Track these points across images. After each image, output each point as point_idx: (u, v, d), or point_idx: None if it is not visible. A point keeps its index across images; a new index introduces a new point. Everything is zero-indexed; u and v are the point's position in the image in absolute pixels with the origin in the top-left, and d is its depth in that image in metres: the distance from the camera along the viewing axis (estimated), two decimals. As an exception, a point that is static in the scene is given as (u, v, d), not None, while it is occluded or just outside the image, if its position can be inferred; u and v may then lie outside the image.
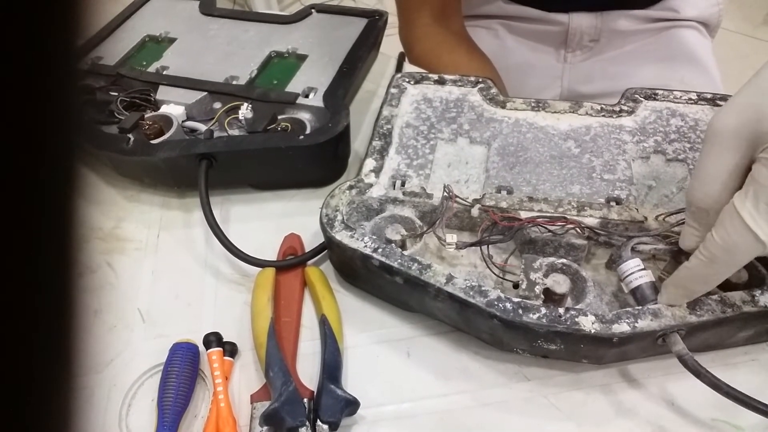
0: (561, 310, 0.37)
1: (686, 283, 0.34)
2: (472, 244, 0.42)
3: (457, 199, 0.43)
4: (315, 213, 0.46)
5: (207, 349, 0.42)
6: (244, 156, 0.50)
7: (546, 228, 0.41)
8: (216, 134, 0.52)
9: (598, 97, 0.76)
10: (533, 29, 0.77)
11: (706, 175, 0.33)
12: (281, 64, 0.61)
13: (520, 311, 0.37)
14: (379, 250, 0.41)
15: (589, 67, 0.78)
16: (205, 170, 0.50)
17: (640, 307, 0.37)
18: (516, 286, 0.42)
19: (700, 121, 0.49)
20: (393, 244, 0.42)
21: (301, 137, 0.50)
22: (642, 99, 0.52)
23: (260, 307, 0.43)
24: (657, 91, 0.52)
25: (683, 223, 0.40)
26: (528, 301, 0.38)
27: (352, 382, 0.41)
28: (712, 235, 0.32)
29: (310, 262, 0.48)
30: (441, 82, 0.55)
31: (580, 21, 0.74)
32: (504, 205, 0.43)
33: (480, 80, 0.54)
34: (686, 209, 0.36)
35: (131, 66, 0.61)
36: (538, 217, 0.42)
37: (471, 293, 0.38)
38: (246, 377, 0.42)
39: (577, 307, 0.38)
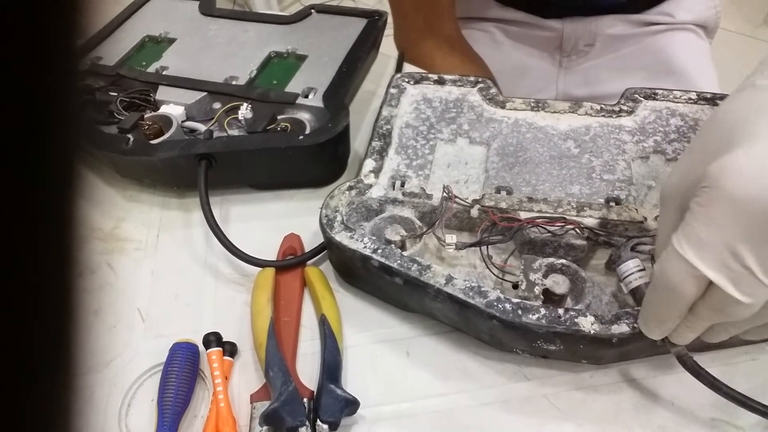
0: (560, 311, 0.37)
1: (646, 312, 0.34)
2: (471, 245, 0.42)
3: (457, 200, 0.43)
4: (315, 213, 0.46)
5: (207, 349, 0.42)
6: (243, 156, 0.50)
7: (545, 228, 0.41)
8: (215, 134, 0.52)
9: (594, 100, 0.76)
10: (528, 34, 0.77)
11: (659, 235, 0.35)
12: (281, 65, 0.61)
13: (520, 312, 0.37)
14: (379, 250, 0.41)
15: (584, 72, 0.78)
16: (204, 170, 0.50)
17: (640, 308, 0.37)
18: (515, 286, 0.42)
19: (699, 121, 0.49)
20: (392, 245, 0.42)
21: (301, 137, 0.50)
22: (641, 99, 0.52)
23: (260, 307, 0.43)
24: (656, 91, 0.52)
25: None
26: (527, 301, 0.38)
27: (351, 382, 0.41)
28: (655, 267, 0.32)
29: (309, 262, 0.48)
30: (440, 82, 0.55)
31: (574, 26, 0.74)
32: (503, 205, 0.43)
33: (479, 80, 0.54)
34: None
35: (131, 66, 0.61)
36: (538, 217, 0.42)
37: (470, 294, 0.38)
38: (246, 377, 0.42)
39: (576, 307, 0.38)
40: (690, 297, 0.30)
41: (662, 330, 0.34)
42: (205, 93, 0.56)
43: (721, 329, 0.33)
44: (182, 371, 0.40)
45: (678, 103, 0.51)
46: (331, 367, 0.40)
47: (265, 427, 0.38)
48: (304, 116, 0.54)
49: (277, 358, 0.40)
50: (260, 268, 0.47)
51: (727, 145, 0.30)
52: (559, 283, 0.39)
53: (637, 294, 0.38)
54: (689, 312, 0.32)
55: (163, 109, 0.55)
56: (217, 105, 0.56)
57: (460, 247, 0.42)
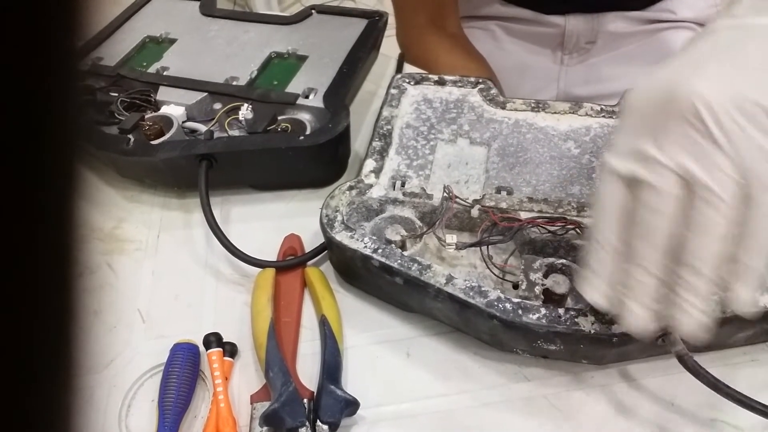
0: (561, 311, 0.37)
1: (586, 257, 0.34)
2: (471, 245, 0.42)
3: (457, 200, 0.43)
4: (315, 213, 0.46)
5: (207, 350, 0.42)
6: (244, 156, 0.50)
7: (546, 228, 0.41)
8: (216, 135, 0.52)
9: (595, 99, 0.76)
10: (530, 31, 0.77)
11: None
12: (281, 65, 0.61)
13: (520, 312, 0.37)
14: (379, 250, 0.41)
15: (585, 69, 0.78)
16: (205, 171, 0.50)
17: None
18: (516, 286, 0.42)
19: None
20: (393, 245, 0.42)
21: (301, 138, 0.50)
22: (642, 99, 0.51)
23: (260, 307, 0.43)
24: (657, 92, 0.52)
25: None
26: (528, 301, 0.38)
27: (351, 383, 0.41)
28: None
29: (310, 262, 0.48)
30: (441, 82, 0.55)
31: (577, 23, 0.74)
32: (504, 205, 0.43)
33: (480, 81, 0.54)
34: None
35: (131, 67, 0.61)
36: (538, 217, 0.42)
37: (471, 294, 0.38)
38: (246, 378, 0.42)
39: (576, 307, 0.38)
40: (619, 198, 0.32)
41: (602, 282, 0.33)
42: (205, 93, 0.56)
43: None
44: (182, 372, 0.40)
45: (678, 103, 0.51)
46: (332, 367, 0.40)
47: (265, 428, 0.38)
48: (305, 117, 0.54)
49: (277, 358, 0.40)
50: (260, 269, 0.47)
51: (648, 76, 0.34)
52: (559, 283, 0.39)
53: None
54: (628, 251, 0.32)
55: (164, 110, 0.55)
56: (217, 105, 0.56)
57: (460, 247, 0.42)
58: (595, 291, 0.34)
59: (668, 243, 0.31)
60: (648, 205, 0.31)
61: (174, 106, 0.55)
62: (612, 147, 0.34)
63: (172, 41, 0.64)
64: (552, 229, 0.41)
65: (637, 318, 0.32)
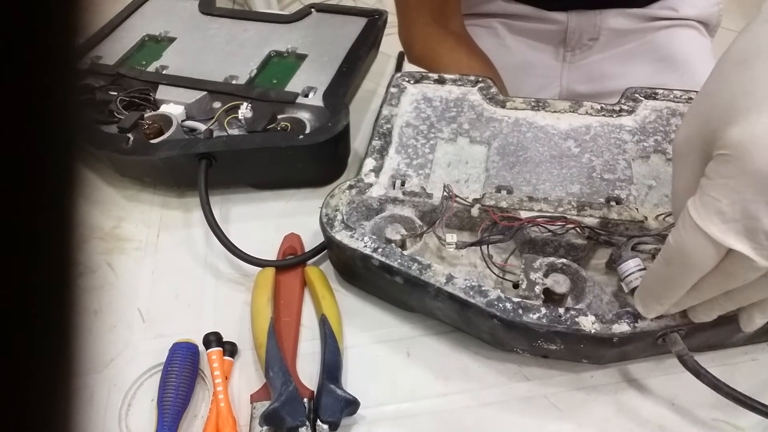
0: (561, 310, 0.37)
1: (650, 287, 0.34)
2: (472, 244, 0.42)
3: (457, 199, 0.43)
4: (315, 212, 0.46)
5: (207, 349, 0.42)
6: (243, 155, 0.50)
7: (546, 228, 0.41)
8: (216, 134, 0.52)
9: (598, 96, 0.76)
10: (532, 28, 0.77)
11: (674, 192, 0.34)
12: (281, 64, 0.61)
13: (520, 311, 0.37)
14: (379, 249, 0.41)
15: (588, 67, 0.78)
16: (204, 170, 0.50)
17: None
18: (516, 286, 0.42)
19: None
20: (393, 244, 0.42)
21: (301, 137, 0.50)
22: (642, 98, 0.52)
23: (260, 306, 0.43)
24: (657, 91, 0.52)
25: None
26: (528, 301, 0.38)
27: (352, 382, 0.41)
28: (669, 237, 0.31)
29: (309, 261, 0.48)
30: (441, 81, 0.55)
31: (579, 20, 0.74)
32: (504, 204, 0.43)
33: (480, 79, 0.54)
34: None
35: (131, 65, 0.61)
36: (538, 216, 0.42)
37: (471, 293, 0.38)
38: (246, 377, 0.42)
39: (577, 307, 0.38)
40: (707, 268, 0.30)
41: (663, 305, 0.34)
42: (205, 92, 0.56)
43: (717, 304, 0.33)
44: (182, 371, 0.40)
45: (678, 102, 0.51)
46: (332, 367, 0.40)
47: (265, 427, 0.38)
48: (304, 115, 0.54)
49: (277, 358, 0.40)
50: (260, 268, 0.47)
51: (752, 101, 0.27)
52: (559, 283, 0.39)
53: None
54: (693, 285, 0.32)
55: (163, 109, 0.55)
56: (217, 104, 0.55)
57: (460, 246, 0.42)
58: (653, 314, 0.35)
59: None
60: (737, 276, 0.30)
61: (173, 105, 0.55)
62: (702, 197, 0.29)
63: (172, 40, 0.63)
64: (552, 228, 0.41)
65: (669, 313, 0.35)
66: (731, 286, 0.31)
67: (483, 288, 0.38)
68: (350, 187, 0.46)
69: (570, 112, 0.51)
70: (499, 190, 0.45)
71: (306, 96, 0.55)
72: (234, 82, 0.57)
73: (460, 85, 0.54)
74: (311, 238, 0.49)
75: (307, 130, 0.52)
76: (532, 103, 0.52)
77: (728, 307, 0.33)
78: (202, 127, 0.54)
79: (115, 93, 0.56)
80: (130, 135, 0.51)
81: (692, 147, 0.31)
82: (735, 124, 0.28)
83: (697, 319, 0.35)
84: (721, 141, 0.28)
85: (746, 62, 0.29)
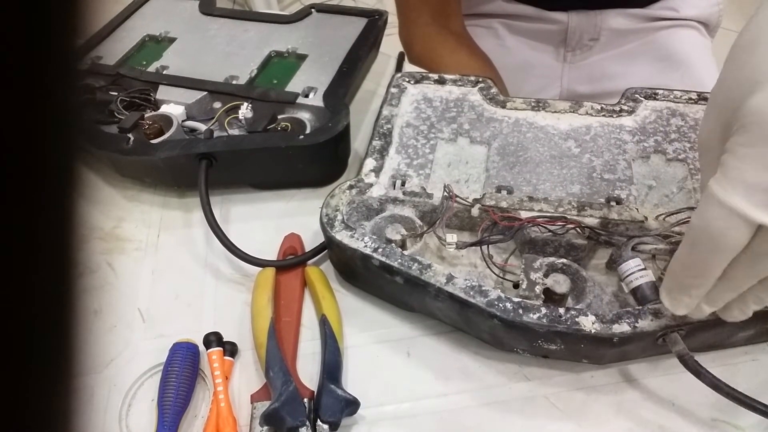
0: (561, 310, 0.37)
1: (677, 277, 0.32)
2: (472, 244, 0.42)
3: (458, 199, 0.43)
4: (315, 213, 0.46)
5: (207, 349, 0.42)
6: (244, 156, 0.50)
7: (546, 228, 0.41)
8: (216, 134, 0.52)
9: (598, 96, 0.76)
10: (533, 28, 0.77)
11: (702, 185, 0.32)
12: (281, 64, 0.61)
13: (521, 311, 0.37)
14: (380, 249, 0.41)
15: (588, 67, 0.78)
16: (205, 170, 0.50)
17: (641, 307, 0.37)
18: (516, 286, 0.42)
19: (700, 121, 0.49)
20: (393, 244, 0.42)
21: (301, 137, 0.50)
22: (642, 99, 0.51)
23: (260, 306, 0.43)
24: (657, 91, 0.52)
25: (684, 222, 0.40)
26: (528, 301, 0.38)
27: (352, 382, 0.41)
28: (692, 219, 0.30)
29: (310, 261, 0.48)
30: (441, 81, 0.55)
31: (580, 20, 0.74)
32: (504, 204, 0.43)
33: (480, 80, 0.54)
34: None
35: (131, 66, 0.61)
36: (539, 216, 0.42)
37: (471, 293, 0.38)
38: (246, 377, 0.42)
39: (577, 307, 0.38)
40: (736, 247, 0.28)
41: (692, 297, 0.31)
42: (205, 92, 0.56)
43: (752, 295, 0.31)
44: (182, 371, 0.40)
45: (678, 103, 0.51)
46: (332, 367, 0.40)
47: (265, 427, 0.38)
48: (305, 116, 0.54)
49: (277, 358, 0.40)
50: (261, 268, 0.47)
51: (757, 79, 0.27)
52: (560, 283, 0.39)
53: (637, 293, 0.38)
54: (723, 273, 0.30)
55: (164, 109, 0.55)
56: (217, 104, 0.56)
57: (460, 246, 0.42)
58: (682, 308, 0.33)
59: None
60: None
61: (174, 105, 0.55)
62: (725, 173, 0.28)
63: (172, 40, 0.63)
64: (552, 228, 0.41)
65: (702, 312, 0.33)
66: (766, 269, 0.29)
67: (483, 288, 0.38)
68: (350, 187, 0.46)
69: (570, 112, 0.51)
70: (499, 190, 0.45)
71: (306, 96, 0.55)
72: (234, 82, 0.57)
73: (460, 85, 0.54)
74: (311, 238, 0.49)
75: (308, 131, 0.52)
76: (533, 104, 0.52)
77: (766, 299, 0.31)
78: (202, 127, 0.54)
79: (116, 93, 0.56)
80: (130, 135, 0.51)
81: (714, 138, 0.30)
82: (750, 96, 0.27)
83: (732, 317, 0.33)
84: (740, 113, 0.27)
85: (753, 46, 0.29)
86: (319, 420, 0.37)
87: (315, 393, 0.39)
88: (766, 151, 0.26)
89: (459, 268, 0.44)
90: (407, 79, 0.55)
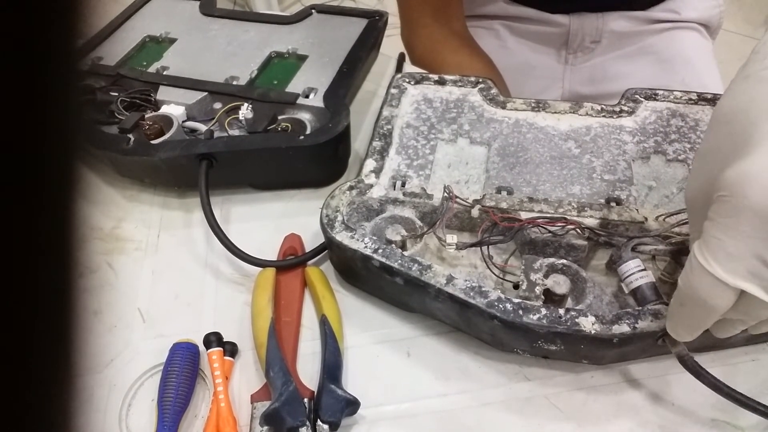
0: (561, 311, 0.37)
1: (671, 324, 0.34)
2: (472, 245, 0.42)
3: (458, 200, 0.43)
4: (315, 213, 0.46)
5: (207, 349, 0.42)
6: (244, 156, 0.50)
7: (546, 229, 0.41)
8: (216, 134, 0.52)
9: (600, 98, 0.76)
10: (534, 30, 0.77)
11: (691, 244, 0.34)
12: (281, 65, 0.61)
13: (521, 312, 0.37)
14: (380, 250, 0.41)
15: (590, 69, 0.78)
16: (205, 170, 0.50)
17: (641, 308, 0.37)
18: (516, 286, 0.42)
19: (700, 122, 0.49)
20: (393, 245, 0.42)
21: (302, 137, 0.50)
22: (642, 99, 0.52)
23: (260, 307, 0.43)
24: (657, 92, 0.52)
25: (684, 223, 0.40)
26: (528, 301, 0.38)
27: (352, 382, 0.41)
28: (678, 281, 0.32)
29: (310, 262, 0.48)
30: (441, 82, 0.55)
31: (581, 22, 0.75)
32: (504, 205, 0.43)
33: (480, 80, 0.54)
34: None
35: (131, 66, 0.61)
36: (539, 217, 0.42)
37: (471, 294, 0.38)
38: (246, 377, 0.42)
39: (577, 307, 0.38)
40: (721, 310, 0.30)
41: (692, 336, 0.33)
42: (205, 93, 0.56)
43: (740, 325, 0.33)
44: (182, 371, 0.40)
45: (678, 103, 0.51)
46: (332, 367, 0.40)
47: (265, 427, 0.38)
48: (305, 116, 0.54)
49: (277, 358, 0.40)
50: (261, 268, 0.47)
51: (741, 149, 0.29)
52: (560, 283, 0.39)
53: (637, 294, 0.38)
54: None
55: (164, 109, 0.55)
56: (217, 105, 0.56)
57: (460, 247, 0.42)
58: (687, 339, 0.34)
59: None
60: (752, 315, 0.30)
61: (174, 106, 0.55)
62: (706, 241, 0.29)
63: (172, 41, 0.64)
64: (552, 229, 0.41)
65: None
66: (750, 323, 0.31)
67: (483, 289, 0.38)
68: (351, 187, 0.46)
69: (570, 113, 0.51)
70: (499, 191, 0.45)
71: (306, 97, 0.55)
72: (235, 82, 0.57)
73: (460, 86, 0.54)
74: (312, 239, 0.49)
75: (308, 131, 0.52)
76: (533, 104, 0.52)
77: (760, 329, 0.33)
78: (202, 127, 0.54)
79: (116, 94, 0.56)
80: (130, 135, 0.52)
81: (699, 199, 0.32)
82: (729, 167, 0.29)
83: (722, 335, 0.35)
84: (719, 184, 0.29)
85: (729, 118, 0.31)
86: (319, 420, 0.37)
87: (315, 393, 0.39)
88: (741, 222, 0.28)
89: (459, 268, 0.44)
90: (407, 80, 0.55)
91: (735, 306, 0.29)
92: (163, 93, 0.57)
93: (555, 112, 0.51)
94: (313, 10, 0.66)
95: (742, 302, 0.29)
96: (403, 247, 0.43)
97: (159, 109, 0.55)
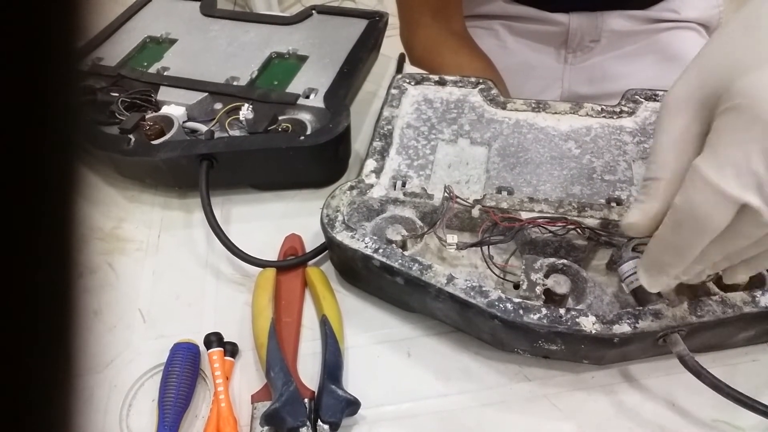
0: (562, 311, 0.37)
1: (657, 257, 0.32)
2: (472, 245, 0.42)
3: (458, 200, 0.43)
4: (316, 213, 0.46)
5: (208, 349, 0.42)
6: (244, 156, 0.50)
7: (546, 229, 0.41)
8: (217, 135, 0.52)
9: (600, 98, 0.76)
10: (534, 29, 0.77)
11: (659, 145, 0.32)
12: (282, 65, 0.61)
13: (521, 312, 0.37)
14: (380, 250, 0.41)
15: (589, 68, 0.78)
16: (205, 171, 0.50)
17: (641, 308, 0.37)
18: (517, 286, 0.42)
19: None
20: (394, 245, 0.42)
21: (302, 138, 0.50)
22: (642, 100, 0.52)
23: (261, 307, 0.43)
24: (657, 92, 0.52)
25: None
26: (529, 301, 0.38)
27: (352, 383, 0.41)
28: (676, 199, 0.30)
29: (310, 262, 0.48)
30: (441, 83, 0.55)
31: (581, 21, 0.75)
32: (504, 205, 0.43)
33: (480, 81, 0.54)
34: (640, 186, 0.33)
35: (132, 67, 0.61)
36: (539, 217, 0.42)
37: (472, 294, 0.38)
38: (247, 377, 0.42)
39: (577, 307, 0.38)
40: (720, 228, 0.28)
41: (670, 275, 0.32)
42: (206, 93, 0.56)
43: (712, 265, 0.32)
44: (183, 371, 0.40)
45: (679, 103, 0.51)
46: (332, 367, 0.40)
47: (266, 428, 0.38)
48: (305, 117, 0.54)
49: (278, 358, 0.40)
50: (261, 269, 0.47)
51: (759, 58, 0.27)
52: (560, 283, 0.39)
53: (638, 294, 0.38)
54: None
55: (165, 110, 0.55)
56: (218, 105, 0.56)
57: (461, 247, 0.42)
58: (659, 286, 0.33)
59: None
60: (745, 234, 0.29)
61: (174, 106, 0.55)
62: (714, 153, 0.28)
63: (173, 41, 0.64)
64: (553, 229, 0.41)
65: (669, 285, 0.34)
66: (738, 246, 0.30)
67: (484, 288, 0.38)
68: (351, 188, 0.46)
69: (570, 113, 0.51)
70: (499, 191, 0.45)
71: (307, 97, 0.55)
72: (235, 83, 0.57)
73: (460, 86, 0.54)
74: (312, 239, 0.49)
75: (308, 132, 0.53)
76: (533, 105, 0.52)
77: (722, 266, 0.32)
78: (203, 128, 0.54)
79: (117, 94, 0.56)
80: (131, 136, 0.52)
81: (690, 103, 0.30)
82: (742, 77, 0.27)
83: (688, 280, 0.34)
84: (730, 93, 0.28)
85: (750, 29, 0.29)
86: (319, 420, 0.37)
87: (315, 393, 0.39)
88: (755, 134, 0.27)
89: (459, 268, 0.44)
90: (408, 81, 0.55)
91: (731, 225, 0.28)
92: (163, 93, 0.57)
93: (555, 113, 0.51)
94: (313, 11, 0.66)
95: (741, 219, 0.28)
96: (404, 247, 0.43)
97: (159, 109, 0.55)
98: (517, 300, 0.38)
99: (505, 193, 0.45)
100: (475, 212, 0.43)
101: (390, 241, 0.43)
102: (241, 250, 0.47)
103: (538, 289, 0.39)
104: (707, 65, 0.31)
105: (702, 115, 0.30)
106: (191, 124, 0.55)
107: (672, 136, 0.31)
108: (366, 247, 0.42)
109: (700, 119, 0.30)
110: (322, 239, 0.46)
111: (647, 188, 0.32)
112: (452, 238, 0.42)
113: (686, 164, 0.30)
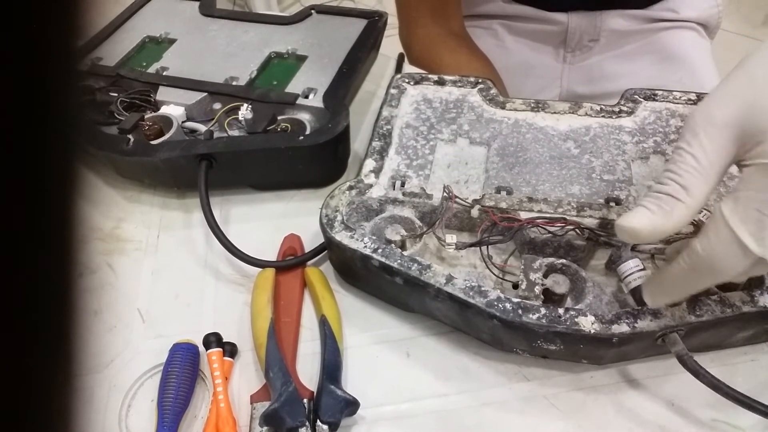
0: (561, 311, 0.37)
1: (665, 287, 0.33)
2: (471, 245, 0.42)
3: (457, 200, 0.43)
4: (315, 213, 0.46)
5: (207, 350, 0.42)
6: (244, 156, 0.50)
7: (545, 229, 0.41)
8: (216, 135, 0.52)
9: (598, 97, 0.76)
10: (532, 29, 0.77)
11: (687, 165, 0.30)
12: (281, 65, 0.61)
13: (520, 311, 0.37)
14: (379, 250, 0.41)
15: (588, 68, 0.78)
16: (205, 171, 0.50)
17: (640, 308, 0.37)
18: (516, 286, 0.42)
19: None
20: (393, 245, 0.42)
21: (301, 138, 0.50)
22: (641, 99, 0.52)
23: (260, 307, 0.43)
24: (656, 92, 0.52)
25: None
26: (528, 301, 0.38)
27: (351, 383, 0.41)
28: (695, 244, 0.30)
29: (310, 262, 0.48)
30: (441, 82, 0.55)
31: (579, 20, 0.75)
32: (504, 205, 0.43)
33: (480, 81, 0.54)
34: (650, 193, 0.32)
35: (131, 67, 0.61)
36: (538, 217, 0.42)
37: (471, 293, 0.38)
38: (246, 377, 0.42)
39: (576, 307, 0.38)
40: (734, 275, 0.29)
41: (673, 301, 0.33)
42: (205, 93, 0.56)
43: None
44: (182, 372, 0.40)
45: (678, 104, 0.51)
46: (332, 367, 0.40)
47: (265, 428, 0.38)
48: (305, 117, 0.54)
49: (277, 358, 0.40)
50: (260, 269, 0.47)
51: None
52: (559, 283, 0.39)
53: (637, 294, 0.38)
54: None
55: (164, 110, 0.55)
56: (217, 105, 0.56)
57: (460, 247, 0.42)
58: (660, 306, 0.35)
59: None
60: (756, 273, 0.29)
61: (174, 106, 0.55)
62: (743, 207, 0.28)
63: (172, 41, 0.64)
64: (552, 229, 0.41)
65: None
66: (744, 279, 0.31)
67: (483, 288, 0.38)
68: (350, 188, 0.46)
69: (569, 113, 0.51)
70: (498, 191, 0.45)
71: (306, 97, 0.55)
72: (234, 83, 0.57)
73: (459, 86, 0.54)
74: (311, 239, 0.50)
75: (308, 132, 0.53)
76: (532, 105, 0.52)
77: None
78: (202, 128, 0.54)
79: (116, 94, 0.56)
80: (130, 136, 0.52)
81: (726, 132, 0.29)
82: None
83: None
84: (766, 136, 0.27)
85: None
86: (318, 420, 0.37)
87: (315, 393, 0.39)
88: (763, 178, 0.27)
89: (458, 268, 0.44)
90: (407, 80, 0.55)
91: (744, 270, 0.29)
92: (162, 93, 0.57)
93: (554, 113, 0.51)
94: (312, 11, 0.66)
95: (755, 267, 0.28)
96: (403, 246, 0.43)
97: (159, 109, 0.55)
98: (516, 300, 0.38)
99: (504, 193, 0.45)
100: (474, 212, 0.43)
101: (389, 241, 0.43)
102: (240, 251, 0.47)
103: (537, 289, 0.39)
104: (749, 95, 0.29)
105: (736, 147, 0.29)
106: (190, 124, 0.55)
107: (702, 162, 0.30)
108: (365, 247, 0.42)
109: (733, 151, 0.29)
110: (321, 239, 0.46)
111: (661, 201, 0.31)
112: (451, 238, 0.42)
113: (708, 193, 0.30)
